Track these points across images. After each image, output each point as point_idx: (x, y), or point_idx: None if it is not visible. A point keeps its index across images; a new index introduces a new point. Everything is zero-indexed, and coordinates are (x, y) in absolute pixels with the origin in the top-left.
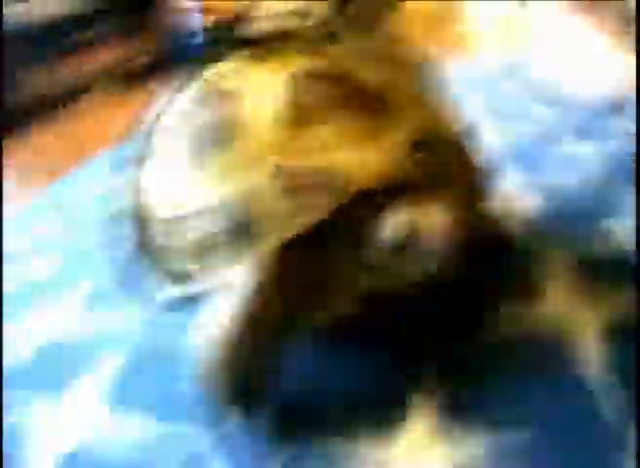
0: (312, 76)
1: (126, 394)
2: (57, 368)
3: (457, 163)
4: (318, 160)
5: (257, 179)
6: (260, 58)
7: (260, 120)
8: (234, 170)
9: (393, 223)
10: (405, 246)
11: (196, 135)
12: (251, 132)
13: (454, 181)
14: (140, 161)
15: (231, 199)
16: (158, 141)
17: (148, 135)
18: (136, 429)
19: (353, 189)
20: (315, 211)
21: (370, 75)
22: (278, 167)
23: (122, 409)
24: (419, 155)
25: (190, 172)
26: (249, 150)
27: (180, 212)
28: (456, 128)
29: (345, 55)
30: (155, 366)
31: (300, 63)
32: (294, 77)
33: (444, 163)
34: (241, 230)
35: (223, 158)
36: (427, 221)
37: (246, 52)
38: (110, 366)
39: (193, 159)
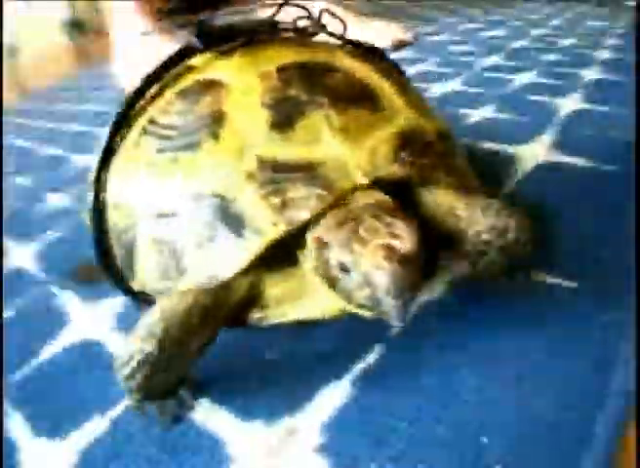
0: (300, 68)
1: None
2: None
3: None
4: (304, 153)
5: (238, 173)
6: (247, 49)
7: (245, 112)
8: (215, 164)
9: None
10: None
11: (179, 127)
12: (235, 124)
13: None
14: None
15: (213, 193)
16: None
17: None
18: None
19: (339, 185)
20: (300, 207)
21: (356, 67)
22: (260, 159)
23: None
24: (405, 153)
25: (169, 167)
26: (233, 143)
27: (163, 209)
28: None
29: (332, 47)
30: None
31: (287, 55)
32: (281, 69)
33: (432, 159)
34: (223, 226)
35: (205, 152)
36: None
37: (233, 42)
38: None
39: (173, 153)
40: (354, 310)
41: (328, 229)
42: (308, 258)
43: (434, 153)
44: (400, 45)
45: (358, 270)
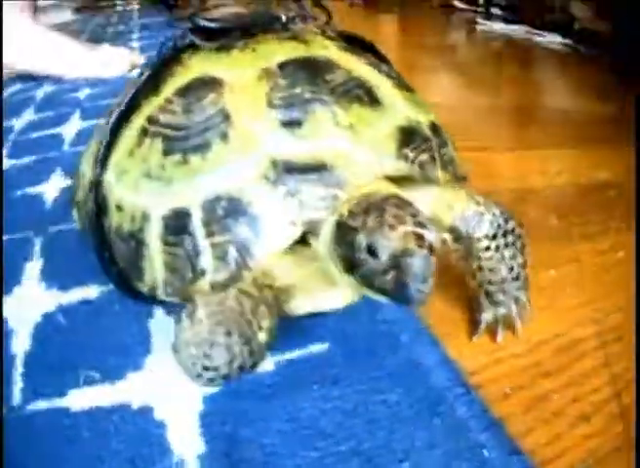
0: (300, 65)
1: None
2: None
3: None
4: (314, 152)
5: (251, 175)
6: (244, 44)
7: (251, 112)
8: (227, 166)
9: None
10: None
11: (185, 128)
12: (243, 124)
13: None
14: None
15: (227, 195)
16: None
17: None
18: None
19: (351, 183)
20: (316, 207)
21: (352, 62)
22: (272, 160)
23: None
24: (408, 149)
25: (178, 170)
26: (243, 144)
27: (175, 211)
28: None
29: (327, 43)
30: None
31: (284, 50)
32: (282, 66)
33: (430, 154)
34: (240, 228)
35: (215, 153)
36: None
37: (230, 38)
38: None
39: (182, 155)
40: (370, 294)
41: (354, 215)
42: (324, 243)
43: (432, 148)
44: (133, 67)
45: (387, 254)
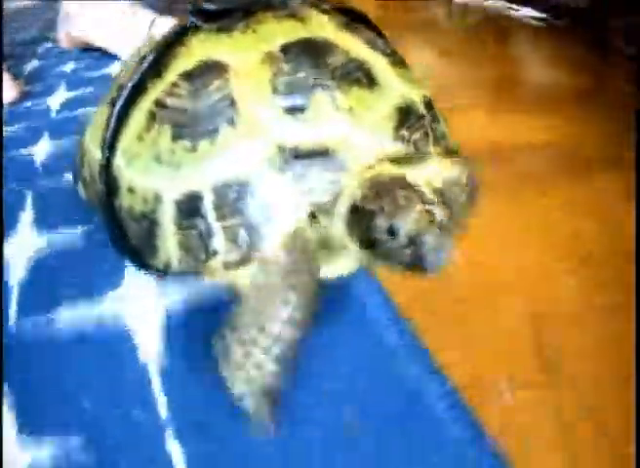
0: (302, 47)
1: None
2: None
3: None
4: (317, 136)
5: (259, 160)
6: (245, 25)
7: (257, 97)
8: (235, 151)
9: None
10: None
11: (192, 113)
12: (249, 110)
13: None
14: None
15: (237, 180)
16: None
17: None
18: None
19: (354, 167)
20: (322, 191)
21: (350, 42)
22: (279, 145)
23: None
24: (404, 129)
25: (188, 154)
26: (250, 129)
27: (186, 195)
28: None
29: (328, 24)
30: None
31: (285, 31)
32: (284, 49)
33: (424, 131)
34: (250, 212)
35: (223, 138)
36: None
37: (231, 20)
38: None
39: (191, 140)
40: (387, 267)
41: (368, 199)
42: (337, 224)
43: (425, 124)
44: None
45: (405, 234)
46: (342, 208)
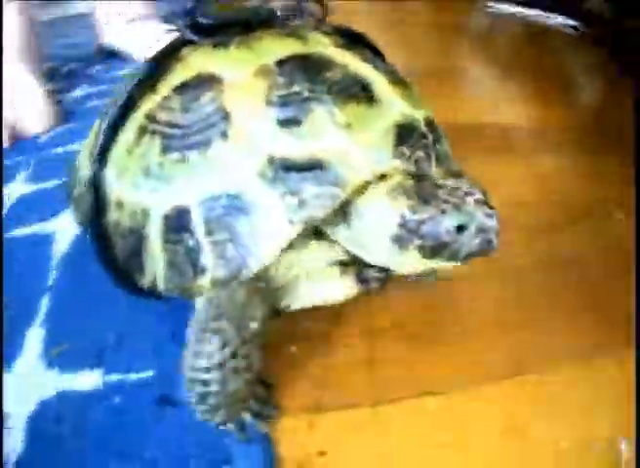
0: (298, 62)
1: None
2: None
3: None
4: (312, 150)
5: (250, 173)
6: (241, 40)
7: (250, 110)
8: (227, 164)
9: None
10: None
11: (184, 126)
12: (242, 123)
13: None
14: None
15: (227, 193)
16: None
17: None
18: None
19: (349, 182)
20: (315, 205)
21: (349, 59)
22: (271, 158)
23: None
24: (404, 146)
25: (177, 167)
26: (242, 142)
27: (175, 209)
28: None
29: (323, 39)
30: None
31: (282, 47)
32: (280, 63)
33: (425, 151)
34: (240, 226)
35: (215, 151)
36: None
37: (228, 34)
38: None
39: (181, 152)
40: (446, 265)
41: (417, 209)
42: (379, 247)
43: (427, 144)
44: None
45: (474, 225)
46: (383, 229)
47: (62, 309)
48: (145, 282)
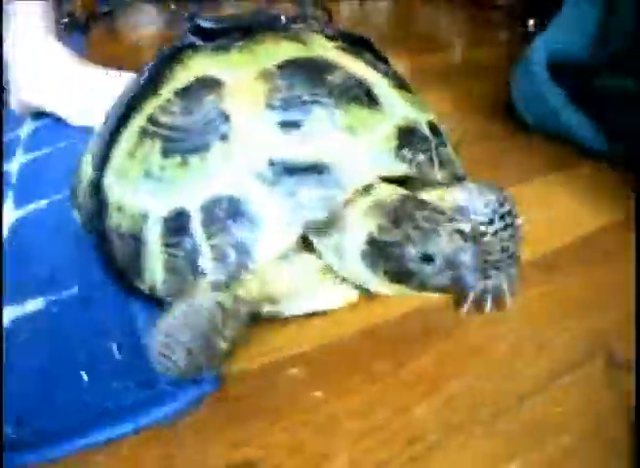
0: (299, 65)
1: None
2: None
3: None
4: (312, 153)
5: (250, 176)
6: (243, 44)
7: (251, 113)
8: (226, 167)
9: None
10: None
11: (184, 129)
12: (242, 126)
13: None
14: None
15: (226, 196)
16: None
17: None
18: None
19: (348, 185)
20: (314, 208)
21: (351, 62)
22: (271, 161)
23: None
24: (405, 150)
25: (178, 170)
26: (242, 145)
27: (175, 212)
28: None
29: (326, 43)
30: None
31: (283, 51)
32: (281, 67)
33: (428, 154)
34: (239, 229)
35: (215, 154)
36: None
37: (230, 38)
38: None
39: (182, 155)
40: (419, 294)
41: (386, 230)
42: (351, 262)
43: (430, 148)
44: None
45: (442, 257)
46: (354, 244)
47: None
48: (145, 285)
